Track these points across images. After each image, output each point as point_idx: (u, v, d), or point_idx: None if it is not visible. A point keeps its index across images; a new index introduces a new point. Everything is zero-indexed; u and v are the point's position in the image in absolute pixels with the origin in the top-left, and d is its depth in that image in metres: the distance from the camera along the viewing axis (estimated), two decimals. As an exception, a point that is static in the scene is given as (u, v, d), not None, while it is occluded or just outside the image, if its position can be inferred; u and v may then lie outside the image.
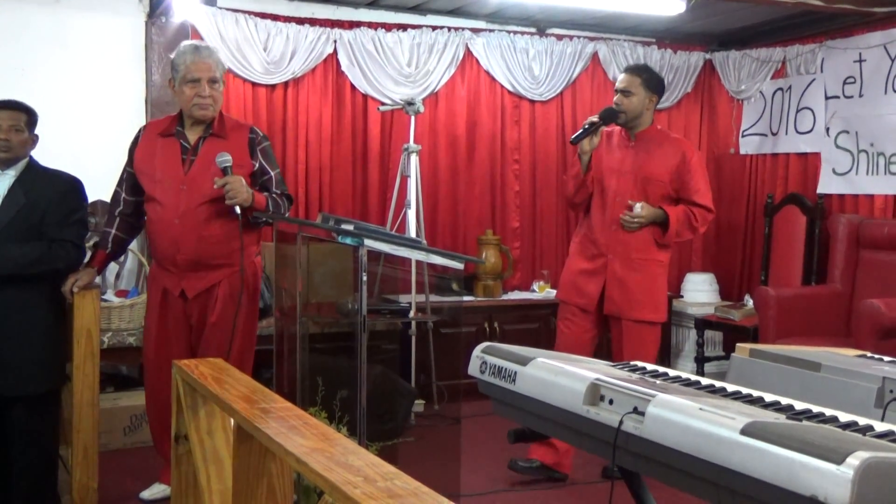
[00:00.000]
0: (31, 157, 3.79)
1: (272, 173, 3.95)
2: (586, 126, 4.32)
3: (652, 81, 4.41)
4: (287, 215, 4.02)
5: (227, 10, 5.81)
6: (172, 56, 3.95)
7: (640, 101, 4.36)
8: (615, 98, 4.41)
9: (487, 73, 6.56)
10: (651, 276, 4.38)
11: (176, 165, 3.84)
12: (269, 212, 3.83)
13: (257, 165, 3.90)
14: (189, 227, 3.80)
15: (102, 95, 5.60)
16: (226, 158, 3.71)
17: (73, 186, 3.78)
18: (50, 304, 3.71)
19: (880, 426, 1.78)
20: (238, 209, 3.70)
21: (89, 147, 5.42)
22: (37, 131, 3.80)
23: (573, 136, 4.40)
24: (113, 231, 4.01)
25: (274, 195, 3.91)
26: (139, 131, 4.08)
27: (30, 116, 3.74)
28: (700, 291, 6.97)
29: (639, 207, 4.31)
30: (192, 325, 3.93)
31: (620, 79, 4.45)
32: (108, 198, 4.19)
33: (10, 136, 3.65)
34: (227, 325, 3.83)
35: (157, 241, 3.92)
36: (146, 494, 4.12)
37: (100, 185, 4.59)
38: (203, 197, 3.79)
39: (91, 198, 4.03)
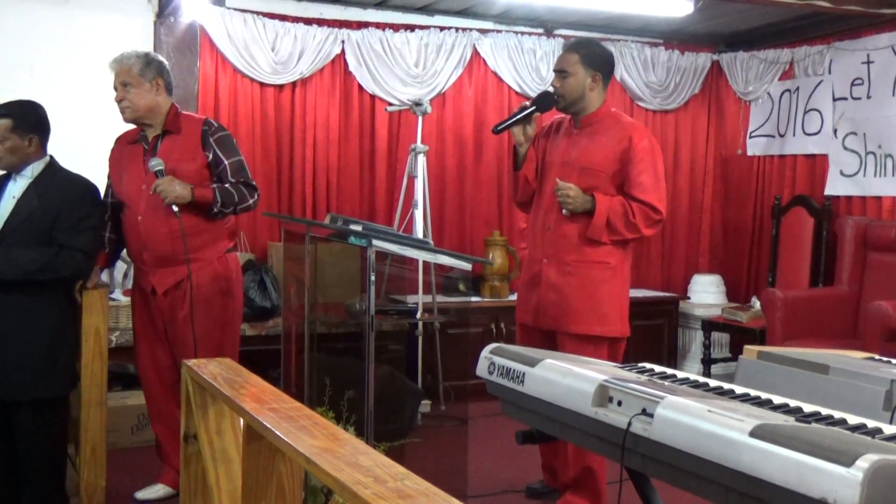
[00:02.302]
0: (51, 158, 3.78)
1: (226, 162, 3.92)
2: (516, 113, 3.84)
3: (592, 57, 3.79)
4: (251, 203, 3.94)
5: (236, 10, 5.83)
6: None
7: (578, 82, 3.77)
8: (552, 80, 3.89)
9: (495, 73, 6.57)
10: (592, 282, 3.74)
11: (138, 166, 3.92)
12: (218, 202, 3.82)
13: (211, 156, 3.91)
14: (151, 225, 3.86)
15: (111, 95, 5.60)
16: (156, 162, 3.79)
17: (86, 192, 3.76)
18: (57, 310, 3.68)
19: (889, 429, 1.78)
20: (175, 207, 3.75)
21: (98, 146, 5.38)
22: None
23: (496, 125, 3.91)
24: (107, 234, 4.07)
25: (228, 185, 3.89)
26: (116, 141, 4.16)
27: (14, 121, 3.65)
28: (707, 293, 6.97)
29: (560, 183, 3.74)
30: (166, 322, 3.97)
31: (557, 58, 3.91)
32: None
33: None
34: (197, 322, 3.86)
35: (127, 241, 4.03)
36: (140, 494, 4.13)
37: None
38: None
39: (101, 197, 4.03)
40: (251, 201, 3.95)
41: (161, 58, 4.08)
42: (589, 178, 3.76)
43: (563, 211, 3.77)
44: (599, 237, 3.71)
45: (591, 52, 3.82)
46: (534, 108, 3.84)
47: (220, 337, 3.96)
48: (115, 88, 3.94)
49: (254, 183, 3.99)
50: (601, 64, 3.83)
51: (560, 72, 3.82)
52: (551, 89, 3.88)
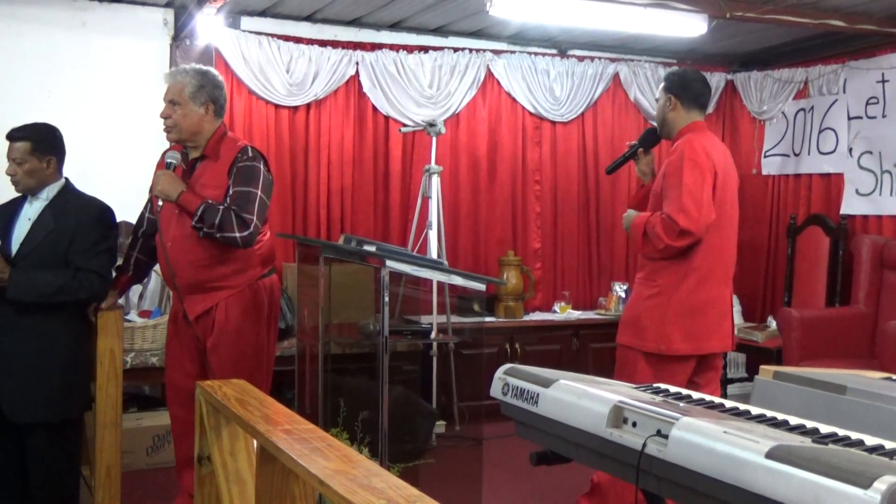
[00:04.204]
0: (66, 180, 3.80)
1: (232, 190, 3.73)
2: (625, 153, 4.25)
3: (671, 82, 4.00)
4: (236, 236, 3.63)
5: (251, 32, 5.87)
6: None
7: (660, 107, 4.04)
8: None
9: (509, 94, 6.58)
10: (639, 297, 3.95)
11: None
12: (197, 216, 3.62)
13: (230, 183, 3.78)
14: (180, 251, 3.76)
15: (127, 117, 5.66)
16: (171, 155, 3.73)
17: (102, 214, 3.76)
18: (72, 332, 3.69)
19: (907, 450, 1.76)
20: (161, 202, 3.70)
21: (114, 169, 5.47)
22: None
23: (609, 166, 4.40)
24: (135, 254, 4.02)
25: (221, 206, 3.66)
26: (162, 154, 4.11)
27: (33, 143, 3.67)
28: (722, 313, 6.92)
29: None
30: (199, 348, 3.90)
31: None
32: (132, 219, 4.23)
33: (15, 171, 3.67)
34: (227, 349, 3.81)
35: (160, 265, 3.97)
36: None
37: (124, 207, 4.61)
38: (191, 220, 3.71)
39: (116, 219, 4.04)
40: (237, 235, 3.63)
41: (219, 78, 3.91)
42: (656, 200, 3.92)
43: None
44: (640, 250, 3.95)
45: (670, 80, 4.02)
46: (636, 145, 4.15)
47: (250, 366, 3.84)
48: (164, 102, 3.83)
49: (248, 218, 3.65)
50: (677, 87, 3.98)
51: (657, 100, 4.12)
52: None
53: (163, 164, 3.97)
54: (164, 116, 3.81)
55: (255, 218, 3.68)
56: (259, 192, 3.75)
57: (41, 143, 3.70)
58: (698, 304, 3.85)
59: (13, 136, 3.70)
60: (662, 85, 4.05)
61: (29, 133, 3.71)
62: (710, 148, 3.88)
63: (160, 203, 3.70)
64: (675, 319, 3.83)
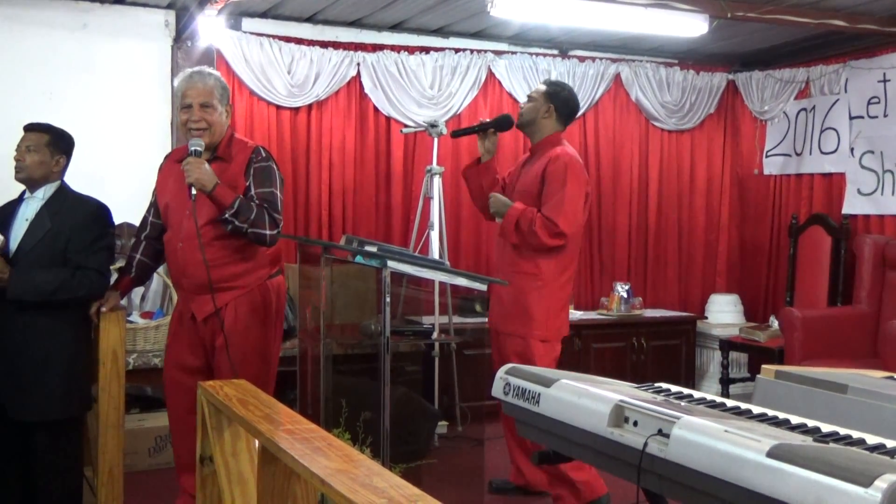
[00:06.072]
0: (63, 182, 3.80)
1: (254, 191, 3.74)
2: (474, 125, 4.59)
3: (555, 95, 4.34)
4: (265, 233, 3.69)
5: (252, 34, 5.87)
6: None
7: (535, 108, 4.33)
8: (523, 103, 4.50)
9: (510, 94, 6.58)
10: (522, 290, 4.20)
11: (184, 190, 3.74)
12: (233, 209, 3.61)
13: (248, 184, 3.77)
14: (190, 253, 3.73)
15: (129, 119, 5.66)
16: (196, 143, 3.69)
17: (99, 213, 3.76)
18: (73, 331, 3.69)
19: (908, 449, 1.76)
20: (193, 191, 3.62)
21: (116, 170, 5.48)
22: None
23: (454, 130, 4.86)
24: (137, 256, 4.00)
25: (254, 203, 3.69)
26: (165, 157, 4.10)
27: (52, 137, 3.72)
28: (725, 312, 6.94)
29: (492, 196, 4.34)
30: (206, 348, 3.89)
31: None
32: (134, 220, 4.23)
33: (23, 157, 3.68)
34: (235, 349, 3.79)
35: (169, 265, 3.95)
36: None
37: (126, 209, 4.64)
38: (204, 220, 3.70)
39: (117, 220, 4.01)
40: (266, 232, 3.69)
41: None
42: (524, 198, 4.25)
43: (497, 218, 4.32)
44: (510, 238, 4.24)
45: (556, 91, 4.38)
46: (490, 123, 4.48)
47: (257, 365, 3.84)
48: (189, 106, 3.76)
49: (278, 217, 3.75)
50: (560, 103, 4.35)
51: (528, 96, 4.46)
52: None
53: (165, 169, 3.98)
54: (196, 120, 3.75)
55: (281, 218, 3.82)
56: (279, 193, 3.84)
57: (59, 140, 3.76)
58: (567, 296, 4.37)
59: (33, 127, 3.76)
60: (545, 90, 4.37)
61: (50, 128, 3.77)
62: (582, 165, 4.31)
63: (193, 192, 3.62)
64: (554, 307, 4.26)
